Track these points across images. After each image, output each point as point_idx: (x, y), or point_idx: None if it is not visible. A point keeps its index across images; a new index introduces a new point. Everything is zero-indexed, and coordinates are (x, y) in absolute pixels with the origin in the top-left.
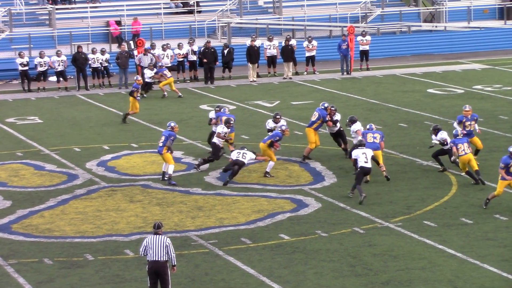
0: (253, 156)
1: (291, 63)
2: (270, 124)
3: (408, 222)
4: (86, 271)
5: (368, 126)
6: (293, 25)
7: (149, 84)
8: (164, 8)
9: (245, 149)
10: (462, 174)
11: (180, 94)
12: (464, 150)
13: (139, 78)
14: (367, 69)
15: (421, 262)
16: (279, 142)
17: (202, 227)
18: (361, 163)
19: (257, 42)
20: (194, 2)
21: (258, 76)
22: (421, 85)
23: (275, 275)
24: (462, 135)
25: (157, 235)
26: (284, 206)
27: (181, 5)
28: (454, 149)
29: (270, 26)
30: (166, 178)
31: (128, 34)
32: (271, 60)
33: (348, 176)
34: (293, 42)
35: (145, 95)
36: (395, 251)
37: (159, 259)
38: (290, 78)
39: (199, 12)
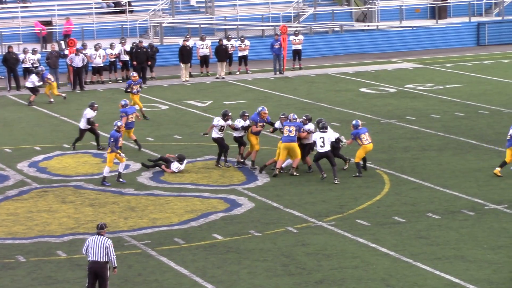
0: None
1: (225, 63)
2: (241, 123)
3: (341, 221)
4: (18, 272)
5: (291, 116)
6: (225, 24)
7: (34, 89)
8: (95, 8)
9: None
10: (351, 160)
11: (64, 95)
12: (367, 139)
13: (135, 74)
14: (300, 68)
15: (354, 261)
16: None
17: (135, 228)
18: (317, 147)
19: (190, 42)
20: (125, 2)
21: (190, 76)
22: (353, 84)
23: (209, 275)
24: (361, 126)
25: (100, 236)
26: (217, 206)
27: (113, 5)
28: (350, 141)
29: (202, 26)
30: (119, 180)
31: (59, 34)
32: (204, 60)
33: (282, 176)
34: (232, 42)
35: (31, 101)
36: (328, 250)
37: (99, 260)
38: (223, 78)
39: (131, 12)
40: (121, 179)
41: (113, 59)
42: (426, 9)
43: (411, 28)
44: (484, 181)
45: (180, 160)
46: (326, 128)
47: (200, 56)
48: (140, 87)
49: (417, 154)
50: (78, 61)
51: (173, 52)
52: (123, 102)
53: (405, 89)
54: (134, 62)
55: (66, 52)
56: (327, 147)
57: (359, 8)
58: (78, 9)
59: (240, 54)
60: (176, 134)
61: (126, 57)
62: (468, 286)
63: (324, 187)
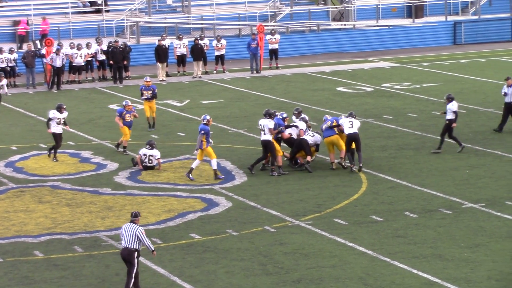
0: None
1: (201, 62)
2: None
3: (319, 220)
4: None
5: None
6: (202, 24)
7: None
8: (71, 7)
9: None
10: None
11: None
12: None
13: (148, 79)
14: (277, 67)
15: (332, 260)
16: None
17: (112, 227)
18: (346, 130)
19: (166, 41)
20: (102, 1)
21: (167, 75)
22: (330, 84)
23: (186, 274)
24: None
25: (132, 223)
26: (194, 205)
27: (89, 4)
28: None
29: (179, 25)
30: (217, 176)
31: (35, 34)
32: (181, 59)
33: (259, 175)
34: (205, 41)
35: None
36: (306, 249)
37: (128, 246)
38: (200, 77)
39: (107, 11)
40: (190, 176)
41: (90, 59)
42: (403, 8)
43: (387, 27)
44: (461, 180)
45: (148, 145)
46: (353, 116)
47: (177, 55)
48: (153, 93)
49: (394, 153)
50: (58, 61)
51: (150, 51)
52: (124, 103)
53: (382, 88)
54: (111, 62)
55: (43, 51)
56: (355, 129)
57: (336, 7)
58: (54, 8)
59: (216, 53)
60: (153, 134)
61: (102, 57)
62: (446, 285)
63: (302, 186)
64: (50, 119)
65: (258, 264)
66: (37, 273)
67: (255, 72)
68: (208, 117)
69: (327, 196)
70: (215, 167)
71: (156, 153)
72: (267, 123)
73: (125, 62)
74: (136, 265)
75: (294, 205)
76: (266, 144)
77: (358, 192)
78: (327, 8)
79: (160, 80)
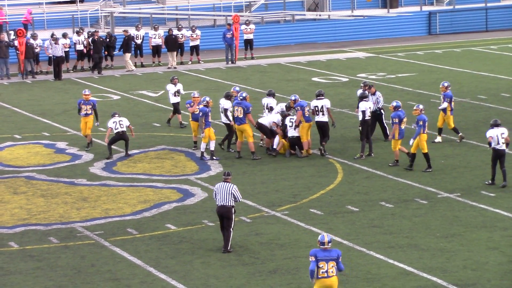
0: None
1: (175, 53)
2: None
3: (295, 211)
4: None
5: (239, 95)
6: (177, 14)
7: None
8: None
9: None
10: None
11: None
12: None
13: (87, 92)
14: (252, 58)
15: (307, 250)
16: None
17: (88, 218)
18: (366, 117)
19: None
20: None
21: (142, 65)
22: (305, 74)
23: (162, 265)
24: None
25: (225, 183)
26: (170, 196)
27: None
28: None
29: (154, 16)
30: (206, 158)
31: (11, 24)
32: (156, 50)
33: (234, 165)
34: (184, 32)
35: None
36: (282, 240)
37: (225, 204)
38: (175, 68)
39: (82, 1)
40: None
41: (66, 49)
42: None
43: (362, 18)
44: (437, 170)
45: (113, 115)
46: (367, 96)
47: (152, 45)
48: (94, 109)
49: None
50: (58, 50)
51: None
52: (192, 95)
53: (357, 78)
54: (91, 51)
55: (16, 42)
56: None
57: None
58: None
59: (191, 44)
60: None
61: (80, 47)
62: (421, 274)
63: (277, 176)
64: (226, 110)
65: (234, 254)
66: (12, 264)
67: (230, 62)
68: (207, 98)
69: (303, 187)
70: (212, 148)
71: (123, 118)
72: (326, 103)
73: (106, 53)
74: (233, 219)
75: (269, 195)
76: (324, 125)
77: (334, 182)
78: None
79: (127, 70)
